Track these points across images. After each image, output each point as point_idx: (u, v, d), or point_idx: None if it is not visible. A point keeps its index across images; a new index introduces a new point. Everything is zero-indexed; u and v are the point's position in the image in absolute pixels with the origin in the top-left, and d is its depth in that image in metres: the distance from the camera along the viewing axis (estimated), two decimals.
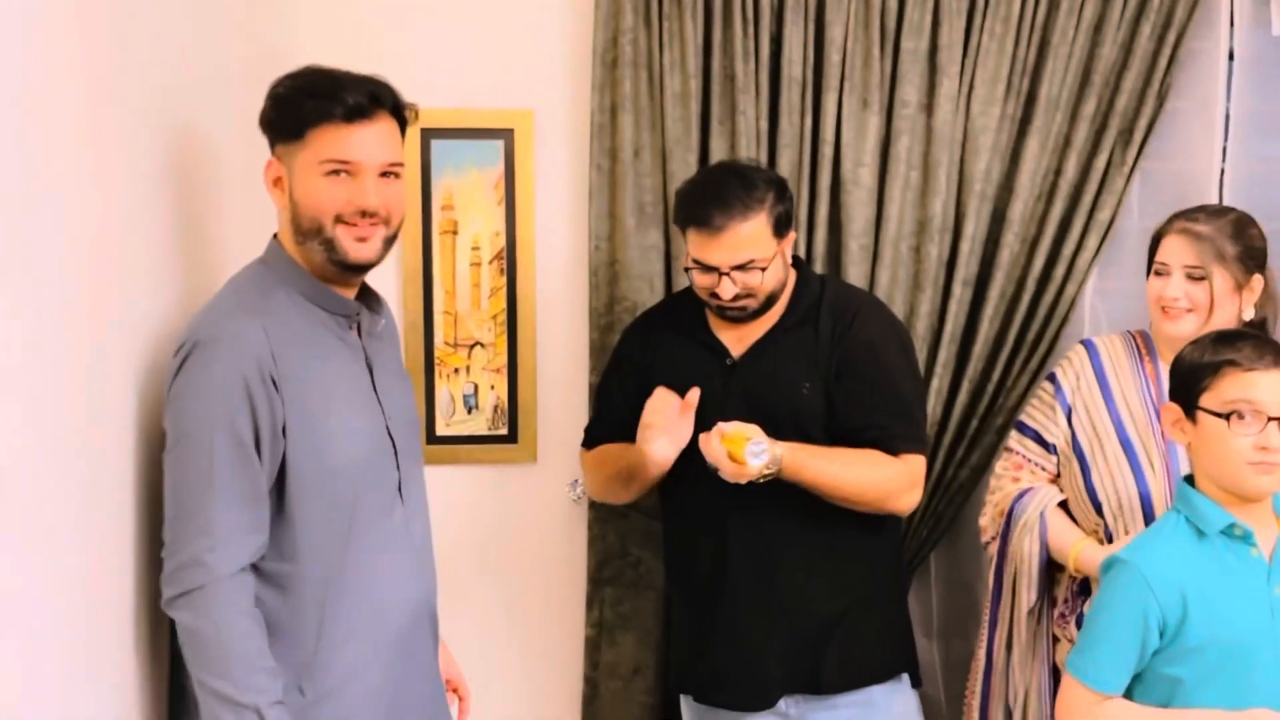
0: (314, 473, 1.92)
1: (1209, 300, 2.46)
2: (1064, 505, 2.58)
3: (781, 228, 2.46)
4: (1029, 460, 2.62)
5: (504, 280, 2.99)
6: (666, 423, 2.45)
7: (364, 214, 1.93)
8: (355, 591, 1.97)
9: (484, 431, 3.03)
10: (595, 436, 2.72)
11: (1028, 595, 2.58)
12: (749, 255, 2.42)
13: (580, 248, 3.01)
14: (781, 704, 2.51)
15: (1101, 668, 2.09)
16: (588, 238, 2.97)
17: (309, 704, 1.92)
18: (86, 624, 1.72)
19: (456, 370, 3.01)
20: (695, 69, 2.87)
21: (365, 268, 1.99)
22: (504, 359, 3.01)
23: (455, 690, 2.34)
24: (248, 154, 2.39)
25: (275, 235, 2.03)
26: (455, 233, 2.97)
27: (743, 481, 2.34)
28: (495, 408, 3.03)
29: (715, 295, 2.46)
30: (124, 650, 1.86)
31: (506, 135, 2.94)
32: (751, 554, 2.49)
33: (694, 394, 2.45)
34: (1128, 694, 2.10)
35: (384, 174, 1.95)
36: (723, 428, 2.35)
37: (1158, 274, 2.52)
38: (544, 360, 3.04)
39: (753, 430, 2.34)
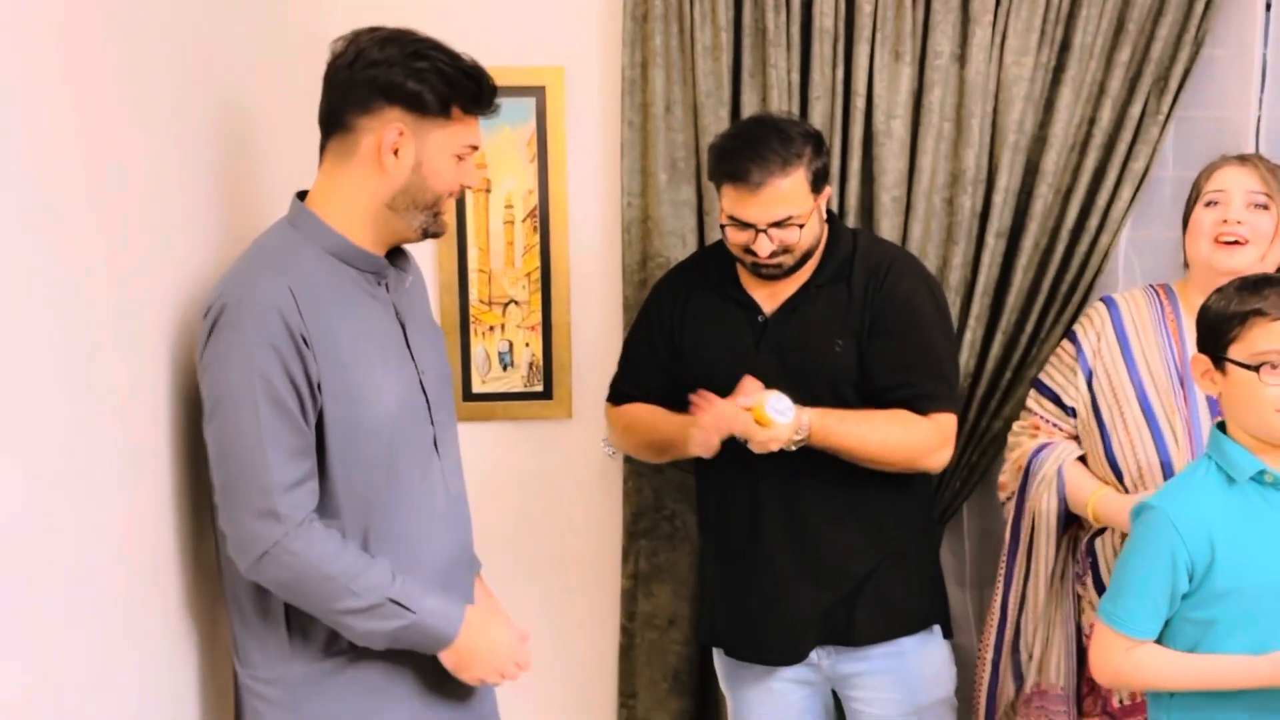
0: (350, 429, 1.96)
1: (1271, 235, 2.44)
2: (1082, 460, 2.60)
3: (819, 183, 2.46)
4: (1046, 421, 2.64)
5: (537, 238, 3.05)
6: (718, 422, 2.43)
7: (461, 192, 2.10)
8: (395, 546, 2.01)
9: (519, 388, 3.10)
10: (623, 393, 2.73)
11: (1046, 550, 2.61)
12: (787, 212, 2.41)
13: (613, 204, 3.06)
14: (813, 655, 2.58)
15: (1132, 613, 2.12)
16: (620, 194, 3.02)
17: (353, 657, 1.98)
18: (125, 595, 1.77)
19: (491, 328, 3.08)
20: (726, 22, 2.90)
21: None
22: (538, 316, 3.08)
23: None
24: (283, 117, 2.47)
25: (299, 196, 2.05)
26: (488, 191, 3.02)
27: (774, 448, 2.37)
28: (530, 365, 3.10)
29: (750, 252, 2.46)
30: (167, 617, 1.92)
31: (538, 93, 2.99)
32: (784, 511, 2.53)
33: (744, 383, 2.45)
34: (1158, 640, 2.13)
35: None
36: (741, 401, 2.37)
37: (1209, 205, 2.49)
38: (578, 317, 3.10)
39: (770, 392, 2.37)
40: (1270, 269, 2.39)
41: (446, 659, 2.01)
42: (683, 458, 2.60)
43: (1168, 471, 2.46)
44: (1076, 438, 2.62)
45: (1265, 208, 2.45)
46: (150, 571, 1.86)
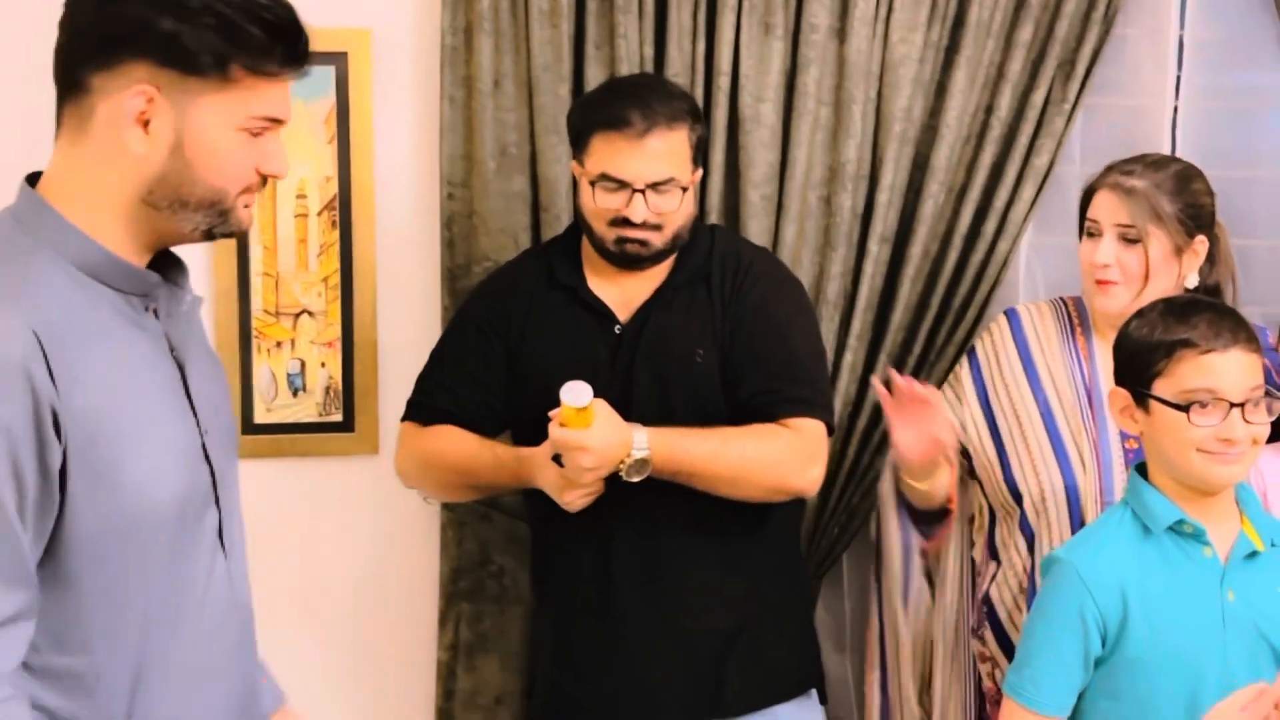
0: (109, 526, 1.75)
1: (1144, 269, 2.59)
2: None
3: (697, 157, 2.60)
4: None
5: (336, 235, 3.07)
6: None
7: (265, 181, 1.87)
8: (173, 682, 1.85)
9: (313, 418, 3.11)
10: (439, 409, 2.70)
11: (890, 575, 2.84)
12: (669, 172, 2.52)
13: (430, 196, 3.07)
14: None
15: (1040, 685, 2.18)
16: (439, 184, 3.03)
17: None
18: None
19: (279, 344, 3.08)
20: None
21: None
22: (338, 330, 3.09)
23: None
24: None
25: (29, 180, 1.82)
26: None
27: (591, 463, 2.42)
28: (327, 389, 3.11)
29: (619, 224, 2.54)
30: None
31: (339, 60, 3.00)
32: (639, 563, 2.59)
33: None
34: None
35: None
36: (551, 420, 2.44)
37: (1089, 235, 2.65)
38: (386, 332, 3.11)
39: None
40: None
41: None
42: (503, 495, 2.69)
43: (1072, 496, 2.60)
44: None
45: (1136, 241, 2.59)
46: None
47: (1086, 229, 2.66)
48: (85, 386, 1.70)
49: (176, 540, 1.81)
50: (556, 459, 2.45)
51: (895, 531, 2.85)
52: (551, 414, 2.41)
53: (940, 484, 2.72)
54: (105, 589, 1.76)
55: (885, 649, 2.89)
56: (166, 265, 1.89)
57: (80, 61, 1.75)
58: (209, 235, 1.83)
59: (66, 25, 1.77)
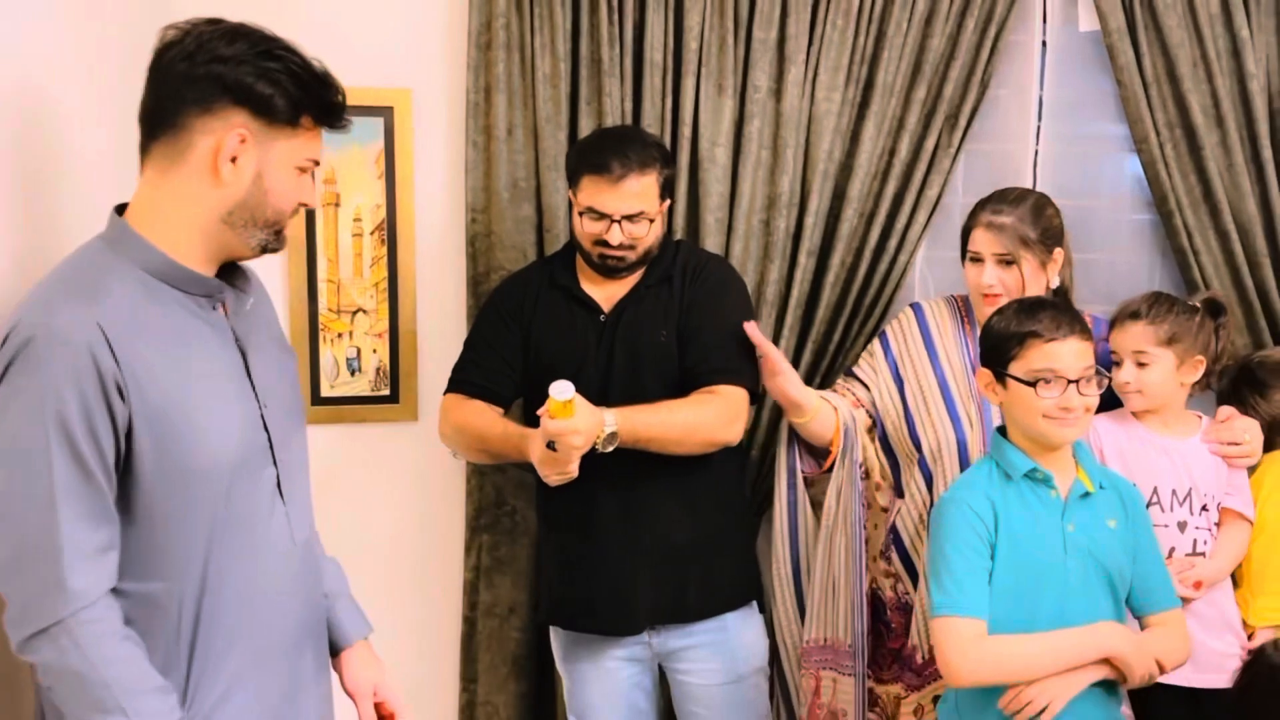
0: (174, 477, 1.84)
1: (1020, 283, 2.85)
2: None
3: (665, 191, 2.87)
4: (848, 390, 3.11)
5: (385, 250, 3.30)
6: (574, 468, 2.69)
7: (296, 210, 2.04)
8: (232, 605, 1.92)
9: (367, 393, 3.34)
10: (474, 383, 2.93)
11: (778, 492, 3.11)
12: (640, 206, 2.79)
13: (458, 220, 3.33)
14: (644, 634, 2.93)
15: (965, 592, 2.39)
16: (464, 210, 3.29)
17: None
18: None
19: (340, 335, 3.31)
20: (564, 53, 3.23)
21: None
22: (385, 324, 3.31)
23: (380, 707, 2.29)
24: (97, 124, 2.49)
25: (118, 210, 1.92)
26: (337, 205, 3.28)
27: (580, 442, 2.61)
28: (377, 370, 3.34)
29: (602, 243, 2.81)
30: None
31: (386, 113, 3.25)
32: (618, 503, 2.86)
33: None
34: None
35: None
36: (541, 415, 2.63)
37: (973, 261, 2.91)
38: (423, 325, 3.34)
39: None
40: None
41: None
42: (509, 461, 2.94)
43: (961, 447, 2.90)
44: (869, 414, 3.05)
45: (1011, 263, 2.86)
46: None
47: (970, 256, 2.91)
48: (148, 365, 1.82)
49: (233, 489, 1.92)
50: (550, 445, 2.64)
51: (783, 459, 3.07)
52: (540, 412, 2.62)
53: (820, 426, 2.95)
54: (171, 526, 1.87)
55: (774, 550, 3.10)
56: (234, 275, 2.04)
57: (182, 106, 1.87)
58: (263, 250, 1.99)
59: (165, 74, 1.89)
